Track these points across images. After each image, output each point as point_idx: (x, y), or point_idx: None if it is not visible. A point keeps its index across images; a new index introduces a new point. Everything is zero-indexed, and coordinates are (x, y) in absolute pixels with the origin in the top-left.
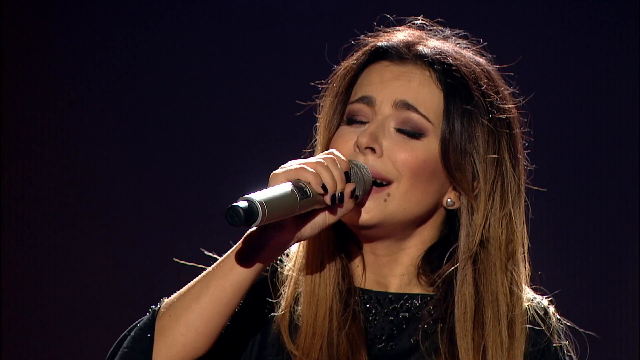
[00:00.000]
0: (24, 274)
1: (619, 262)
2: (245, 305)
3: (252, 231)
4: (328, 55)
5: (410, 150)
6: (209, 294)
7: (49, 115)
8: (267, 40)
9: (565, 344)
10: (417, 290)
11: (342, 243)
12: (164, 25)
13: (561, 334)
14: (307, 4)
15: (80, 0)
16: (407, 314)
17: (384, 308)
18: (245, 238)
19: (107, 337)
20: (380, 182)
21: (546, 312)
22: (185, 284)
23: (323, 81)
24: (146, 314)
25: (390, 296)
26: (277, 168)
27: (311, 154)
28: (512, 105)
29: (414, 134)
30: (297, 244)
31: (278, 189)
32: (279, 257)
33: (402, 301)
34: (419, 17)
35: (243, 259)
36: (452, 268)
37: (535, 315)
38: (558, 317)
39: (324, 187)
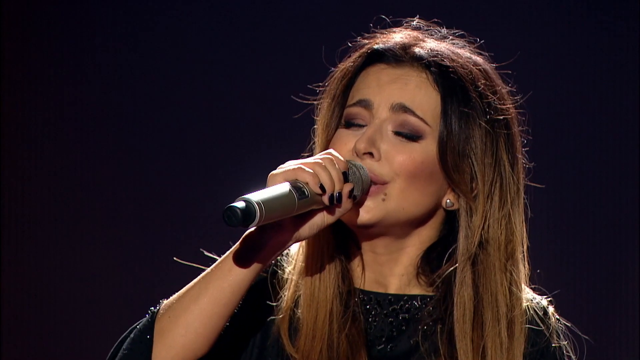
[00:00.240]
0: (24, 274)
1: (619, 261)
2: (245, 307)
3: (251, 232)
4: (325, 57)
5: (408, 153)
6: (207, 295)
7: (49, 115)
8: (264, 42)
9: (564, 344)
10: (416, 290)
11: (341, 244)
12: (163, 27)
13: (560, 334)
14: (303, 6)
15: (80, 0)
16: (406, 315)
17: (383, 309)
18: (243, 239)
19: (107, 338)
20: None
21: (545, 312)
22: (185, 285)
23: (320, 83)
24: (145, 316)
25: (389, 297)
26: (275, 169)
27: (309, 156)
28: (510, 105)
29: (411, 136)
30: (297, 247)
31: (276, 189)
32: (279, 260)
33: (401, 302)
34: (415, 18)
35: (241, 259)
36: (452, 269)
37: (534, 315)
38: (557, 317)
39: (322, 187)
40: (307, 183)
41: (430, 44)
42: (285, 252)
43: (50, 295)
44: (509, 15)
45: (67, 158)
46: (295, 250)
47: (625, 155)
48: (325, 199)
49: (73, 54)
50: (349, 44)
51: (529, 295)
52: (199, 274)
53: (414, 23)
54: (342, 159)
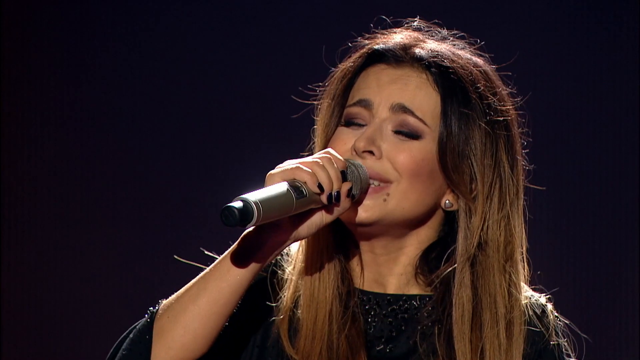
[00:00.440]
0: (24, 274)
1: (619, 262)
2: (246, 307)
3: (249, 231)
4: (325, 57)
5: (408, 151)
6: (206, 295)
7: (49, 115)
8: (265, 42)
9: (562, 342)
10: (415, 290)
11: (341, 244)
12: (163, 27)
13: (559, 331)
14: (304, 6)
15: (80, 0)
16: (405, 315)
17: (382, 310)
18: (242, 238)
19: (106, 338)
20: (379, 183)
21: (544, 310)
22: (184, 285)
23: (320, 83)
24: (144, 316)
25: (388, 297)
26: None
27: (309, 156)
28: (510, 106)
29: (411, 134)
30: (298, 247)
31: (274, 188)
32: (279, 260)
33: (400, 302)
34: (416, 19)
35: (240, 259)
36: (450, 269)
37: (532, 313)
38: (556, 314)
39: (320, 186)
40: (305, 182)
41: (431, 45)
42: (285, 252)
43: (50, 295)
44: (509, 16)
45: (67, 158)
46: (295, 251)
47: (625, 155)
48: (324, 198)
49: (73, 54)
50: (349, 44)
51: (527, 293)
52: (198, 274)
53: (415, 24)
54: (340, 157)
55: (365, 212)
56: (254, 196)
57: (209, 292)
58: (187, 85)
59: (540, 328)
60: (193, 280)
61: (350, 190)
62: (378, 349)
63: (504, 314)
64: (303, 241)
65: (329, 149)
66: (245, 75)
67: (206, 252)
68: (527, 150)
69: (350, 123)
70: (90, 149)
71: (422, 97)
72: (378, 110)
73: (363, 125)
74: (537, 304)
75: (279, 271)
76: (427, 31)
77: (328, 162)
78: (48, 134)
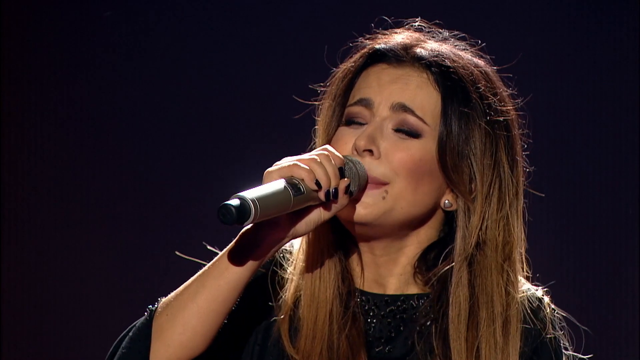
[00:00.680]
0: (24, 274)
1: (619, 263)
2: (245, 305)
3: (247, 229)
4: (326, 58)
5: (407, 149)
6: (204, 292)
7: (49, 115)
8: (266, 42)
9: (558, 335)
10: (414, 290)
11: (341, 244)
12: (163, 26)
13: (555, 325)
14: (305, 6)
15: (80, 0)
16: (404, 315)
17: (380, 310)
18: (240, 236)
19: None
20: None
21: (540, 303)
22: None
23: (322, 84)
24: (144, 314)
25: (386, 298)
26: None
27: None
28: (511, 107)
29: (411, 133)
30: (298, 247)
31: (271, 186)
32: (280, 260)
33: (398, 303)
34: (417, 19)
35: (238, 257)
36: (447, 267)
37: (528, 307)
38: (553, 307)
39: (317, 183)
40: (302, 179)
41: (432, 45)
42: (287, 248)
43: (50, 295)
44: (510, 18)
45: (67, 158)
46: (296, 250)
47: (625, 156)
48: (322, 194)
49: (73, 54)
50: (351, 45)
51: (524, 287)
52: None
53: (416, 24)
54: (338, 154)
55: (364, 209)
56: (251, 194)
57: (208, 290)
58: (187, 85)
59: (536, 324)
60: (191, 278)
61: (348, 187)
62: (377, 349)
63: (501, 312)
64: (304, 241)
65: (327, 146)
66: (246, 75)
67: (209, 247)
68: (528, 153)
69: (351, 122)
70: (90, 149)
71: (422, 96)
72: (379, 109)
73: (364, 125)
74: (533, 297)
75: (280, 271)
76: (428, 32)
77: (325, 159)
78: (48, 134)
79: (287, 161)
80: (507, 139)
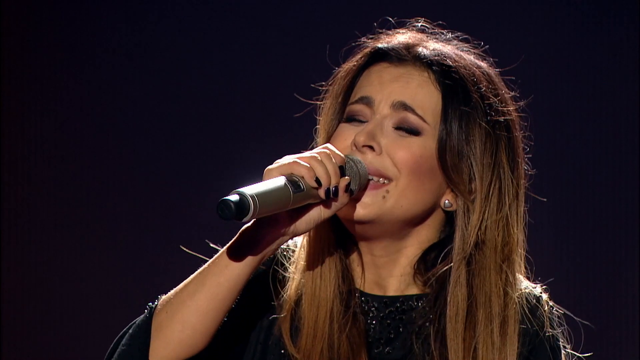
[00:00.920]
0: (24, 274)
1: (619, 262)
2: (245, 302)
3: (247, 226)
4: (329, 57)
5: (408, 147)
6: (204, 290)
7: (49, 115)
8: (269, 42)
9: (556, 333)
10: (414, 290)
11: (342, 244)
12: (164, 26)
13: (553, 323)
14: (308, 6)
15: (80, 0)
16: (403, 316)
17: (380, 312)
18: (240, 233)
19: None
20: (378, 179)
21: (538, 301)
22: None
23: (324, 83)
24: (144, 311)
25: (385, 300)
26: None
27: None
28: (512, 109)
29: (411, 131)
30: (300, 246)
31: (271, 182)
32: (281, 259)
33: (397, 304)
34: (420, 20)
35: (238, 254)
36: (446, 267)
37: (526, 306)
38: (552, 304)
39: (317, 180)
40: (302, 177)
41: (434, 45)
42: (286, 251)
43: (50, 295)
44: (513, 20)
45: (67, 158)
46: (298, 249)
47: (626, 158)
48: (322, 192)
49: (73, 54)
50: (353, 44)
51: (522, 285)
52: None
53: (419, 25)
54: (339, 153)
55: (364, 209)
56: (250, 190)
57: (207, 288)
58: (188, 85)
59: (534, 323)
60: (191, 276)
61: (348, 185)
62: (377, 350)
63: (499, 312)
64: (305, 240)
65: (328, 144)
66: (249, 74)
67: (211, 245)
68: (530, 155)
69: (351, 119)
70: (90, 149)
71: (423, 95)
72: (379, 107)
73: (364, 122)
74: (531, 295)
75: (281, 270)
76: (431, 33)
77: (326, 157)
78: (48, 134)
79: (287, 159)
80: (507, 140)
